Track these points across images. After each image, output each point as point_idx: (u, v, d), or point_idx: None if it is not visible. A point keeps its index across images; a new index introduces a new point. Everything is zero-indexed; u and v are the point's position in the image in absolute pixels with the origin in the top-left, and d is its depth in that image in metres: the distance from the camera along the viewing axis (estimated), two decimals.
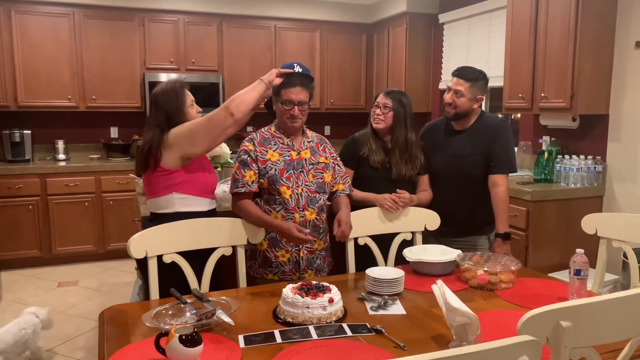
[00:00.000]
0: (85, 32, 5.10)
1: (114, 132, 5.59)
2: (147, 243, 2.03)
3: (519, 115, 4.45)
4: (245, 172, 2.27)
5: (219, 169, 3.15)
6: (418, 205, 2.59)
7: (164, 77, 5.30)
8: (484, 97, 2.63)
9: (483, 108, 4.87)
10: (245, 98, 2.14)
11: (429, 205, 2.64)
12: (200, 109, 2.34)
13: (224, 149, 3.11)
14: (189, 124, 2.20)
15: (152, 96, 2.30)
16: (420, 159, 2.65)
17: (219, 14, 5.53)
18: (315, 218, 2.33)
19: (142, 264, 2.20)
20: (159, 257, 2.07)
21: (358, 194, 2.58)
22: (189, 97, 2.30)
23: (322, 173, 2.38)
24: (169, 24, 5.37)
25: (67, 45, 5.05)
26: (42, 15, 4.95)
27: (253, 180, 2.27)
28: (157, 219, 2.23)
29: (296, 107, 2.26)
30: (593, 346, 1.24)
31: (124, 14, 5.21)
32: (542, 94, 3.61)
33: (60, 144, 5.23)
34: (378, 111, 2.61)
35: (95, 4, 5.09)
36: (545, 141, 3.98)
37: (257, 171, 2.28)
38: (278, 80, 2.23)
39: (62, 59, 5.05)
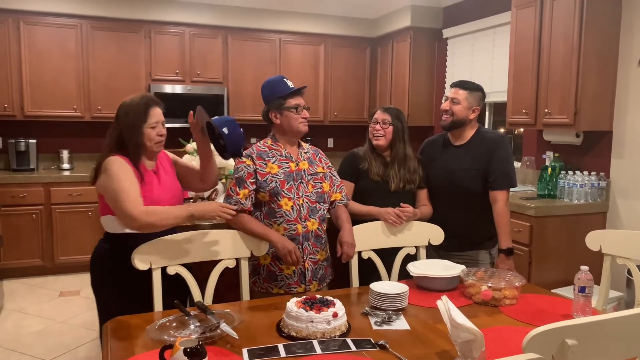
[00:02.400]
0: (92, 43, 5.15)
1: None
2: (151, 254, 2.03)
3: (522, 130, 4.47)
4: (239, 190, 2.28)
5: (223, 180, 3.17)
6: (419, 219, 2.60)
7: (169, 89, 5.35)
8: (480, 109, 2.65)
9: (486, 123, 4.95)
10: (161, 224, 1.99)
11: (429, 220, 2.65)
12: (163, 132, 2.14)
13: (228, 161, 3.12)
14: (112, 181, 1.98)
15: (119, 107, 2.14)
16: (419, 172, 2.67)
17: (224, 26, 5.59)
18: (317, 228, 2.35)
19: (96, 281, 2.16)
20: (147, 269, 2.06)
21: (361, 207, 2.59)
22: (154, 117, 2.10)
23: (321, 183, 2.40)
24: (174, 36, 5.42)
25: (73, 55, 5.10)
26: (49, 27, 5.01)
27: (247, 198, 2.28)
28: (110, 240, 2.12)
29: (305, 110, 2.36)
30: None
31: (131, 25, 5.27)
32: (546, 110, 3.63)
33: (65, 154, 5.26)
34: (378, 127, 2.63)
35: (102, 15, 5.15)
36: (549, 157, 3.98)
37: (252, 189, 2.29)
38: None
39: (69, 69, 5.09)
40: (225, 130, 2.10)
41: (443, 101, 2.69)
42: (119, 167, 2.02)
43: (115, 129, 2.11)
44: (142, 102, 2.11)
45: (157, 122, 2.12)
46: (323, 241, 2.41)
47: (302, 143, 2.48)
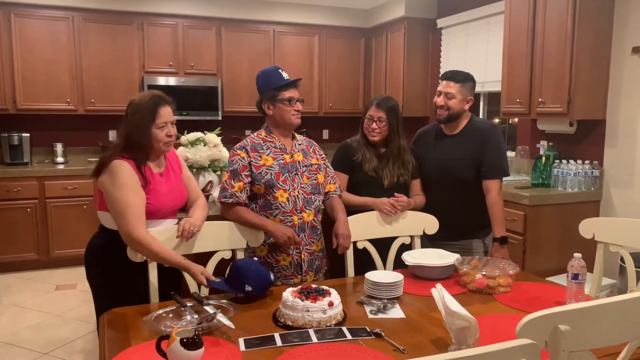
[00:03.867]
0: (85, 35, 5.11)
1: (112, 135, 5.58)
2: None
3: (516, 120, 4.47)
4: (234, 182, 2.28)
5: (218, 172, 3.17)
6: (413, 209, 2.61)
7: (162, 81, 5.32)
8: (473, 98, 2.66)
9: (480, 113, 4.95)
10: (149, 254, 1.99)
11: (423, 210, 2.66)
12: (172, 132, 2.10)
13: (223, 153, 3.12)
14: (118, 191, 1.97)
15: (127, 105, 2.11)
16: (412, 162, 2.67)
17: (218, 18, 5.55)
18: (313, 219, 2.36)
19: (92, 275, 2.18)
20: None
21: (355, 198, 2.59)
22: (162, 118, 2.05)
23: (316, 174, 2.41)
24: (167, 27, 5.39)
25: (66, 48, 5.06)
26: (41, 19, 4.96)
27: (242, 191, 2.28)
28: (105, 234, 2.11)
29: (298, 102, 2.34)
30: (591, 350, 1.25)
31: (123, 17, 5.22)
32: (540, 99, 3.64)
33: (59, 147, 5.23)
34: (374, 125, 2.59)
35: (95, 7, 5.11)
36: (543, 146, 4.00)
37: (247, 182, 2.28)
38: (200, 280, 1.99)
39: (61, 62, 5.06)
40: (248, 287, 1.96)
41: (436, 95, 2.66)
42: (127, 176, 2.00)
43: (124, 129, 2.08)
44: (151, 102, 2.06)
45: (165, 122, 2.07)
46: (318, 232, 2.42)
47: (296, 134, 2.48)
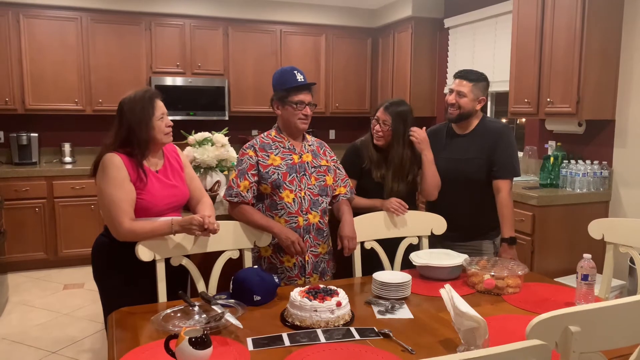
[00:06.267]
0: (92, 36, 5.14)
1: None
2: (155, 246, 2.04)
3: (524, 120, 4.45)
4: (240, 181, 2.28)
5: (225, 172, 3.17)
6: (425, 185, 2.58)
7: (170, 81, 5.34)
8: (486, 98, 2.64)
9: (488, 113, 4.93)
10: (145, 236, 2.02)
11: (433, 210, 2.65)
12: (171, 123, 2.15)
13: (231, 153, 3.13)
14: (106, 186, 2.00)
15: (119, 105, 2.10)
16: (415, 170, 2.63)
17: (225, 18, 5.57)
18: (319, 221, 2.35)
19: (98, 273, 2.19)
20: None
21: (363, 201, 2.58)
22: (159, 110, 2.10)
23: (324, 176, 2.39)
24: (175, 28, 5.41)
25: (74, 49, 5.09)
26: (50, 20, 4.99)
27: (248, 190, 2.27)
28: (109, 233, 2.08)
29: (307, 107, 2.31)
30: (602, 351, 1.24)
31: (131, 18, 5.25)
32: (548, 99, 3.62)
33: (67, 147, 5.27)
34: (378, 127, 2.59)
35: (102, 8, 5.13)
36: (551, 146, 3.98)
37: (253, 181, 2.28)
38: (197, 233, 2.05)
39: (70, 62, 5.09)
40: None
41: (448, 93, 2.66)
42: (116, 169, 2.02)
43: (121, 126, 2.07)
44: (147, 96, 2.09)
45: (163, 114, 2.12)
46: (325, 234, 2.40)
47: (307, 135, 2.46)
